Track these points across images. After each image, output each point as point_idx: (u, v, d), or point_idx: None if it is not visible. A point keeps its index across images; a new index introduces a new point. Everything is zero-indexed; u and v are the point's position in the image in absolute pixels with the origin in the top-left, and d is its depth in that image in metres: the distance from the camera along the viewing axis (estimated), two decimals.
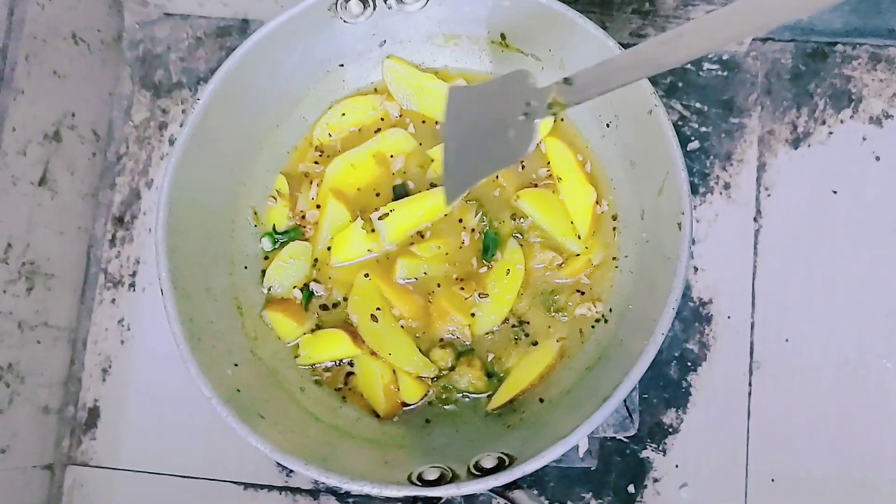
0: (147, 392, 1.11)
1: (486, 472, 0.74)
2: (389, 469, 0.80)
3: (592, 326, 0.92)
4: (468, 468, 0.76)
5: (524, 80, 0.72)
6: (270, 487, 1.07)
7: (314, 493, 1.06)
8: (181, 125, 1.15)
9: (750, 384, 1.06)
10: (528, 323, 0.93)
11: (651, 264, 0.87)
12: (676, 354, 1.07)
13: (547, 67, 0.95)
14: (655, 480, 1.05)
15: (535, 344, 0.93)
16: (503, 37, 0.96)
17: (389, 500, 0.94)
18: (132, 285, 1.14)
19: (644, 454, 1.05)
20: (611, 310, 0.92)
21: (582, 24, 0.86)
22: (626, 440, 1.05)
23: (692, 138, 1.12)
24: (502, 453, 0.76)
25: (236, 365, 0.86)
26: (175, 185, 0.84)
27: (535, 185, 0.97)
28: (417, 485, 0.75)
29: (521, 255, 0.94)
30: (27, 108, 1.02)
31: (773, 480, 1.04)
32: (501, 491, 0.76)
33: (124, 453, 1.10)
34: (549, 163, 0.97)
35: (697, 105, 1.13)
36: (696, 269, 1.09)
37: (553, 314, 0.93)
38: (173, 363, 0.80)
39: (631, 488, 1.05)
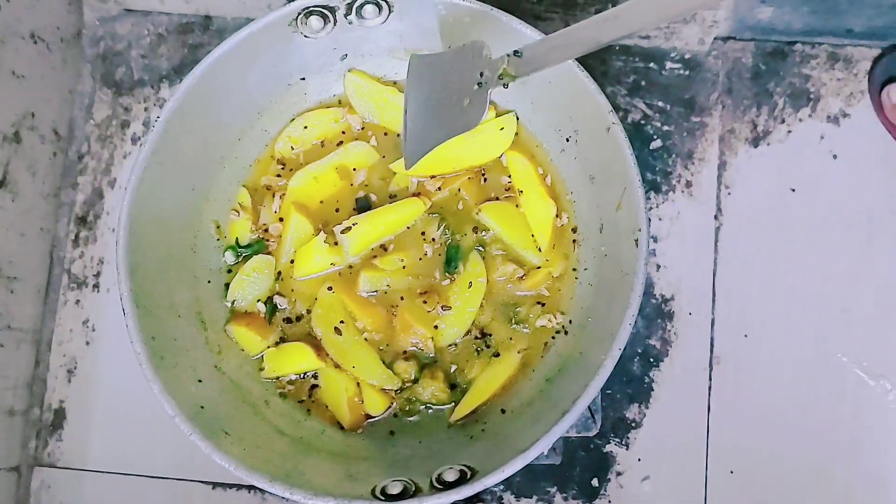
0: (113, 392, 1.11)
1: (448, 486, 0.75)
2: (354, 483, 0.80)
3: (553, 337, 0.92)
4: (431, 481, 0.76)
5: (479, 52, 0.76)
6: (239, 486, 1.08)
7: None
8: (144, 124, 1.15)
9: (710, 379, 1.08)
10: (490, 335, 0.94)
11: (610, 278, 0.87)
12: (639, 351, 1.09)
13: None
14: (619, 474, 1.07)
15: (497, 355, 0.93)
16: None
17: None
18: (96, 286, 1.13)
19: (607, 448, 1.07)
20: (571, 321, 0.92)
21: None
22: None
23: (655, 137, 1.13)
24: (464, 466, 0.77)
25: (200, 381, 0.85)
26: (135, 204, 0.83)
27: (497, 199, 0.97)
28: (381, 499, 0.75)
29: (483, 268, 0.94)
30: None
31: (731, 472, 1.06)
32: None
33: (91, 454, 1.10)
34: (510, 176, 0.97)
35: (660, 104, 1.13)
36: (658, 266, 1.10)
37: (514, 326, 0.94)
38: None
39: (595, 482, 1.07)
